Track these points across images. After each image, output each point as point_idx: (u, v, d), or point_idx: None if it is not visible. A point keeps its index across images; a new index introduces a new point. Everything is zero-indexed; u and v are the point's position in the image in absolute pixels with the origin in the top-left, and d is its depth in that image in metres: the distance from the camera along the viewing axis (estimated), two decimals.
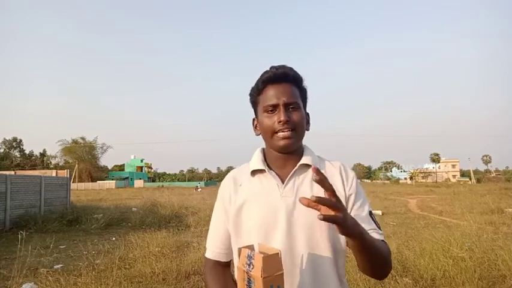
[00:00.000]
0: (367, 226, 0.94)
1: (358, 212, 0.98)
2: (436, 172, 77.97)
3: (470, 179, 63.29)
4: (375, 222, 0.99)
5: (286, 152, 0.99)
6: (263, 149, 1.08)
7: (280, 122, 0.94)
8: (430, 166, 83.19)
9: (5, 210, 9.49)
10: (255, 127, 1.06)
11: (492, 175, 73.72)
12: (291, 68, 0.99)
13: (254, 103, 1.04)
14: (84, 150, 64.55)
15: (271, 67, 0.99)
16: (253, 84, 1.03)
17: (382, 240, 0.95)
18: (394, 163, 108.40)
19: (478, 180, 61.49)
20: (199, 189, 36.79)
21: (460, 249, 4.31)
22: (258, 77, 1.00)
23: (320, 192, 0.94)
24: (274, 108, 0.96)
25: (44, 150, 76.39)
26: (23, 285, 4.10)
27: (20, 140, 72.96)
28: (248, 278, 0.75)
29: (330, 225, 0.94)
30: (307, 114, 1.04)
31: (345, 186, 0.99)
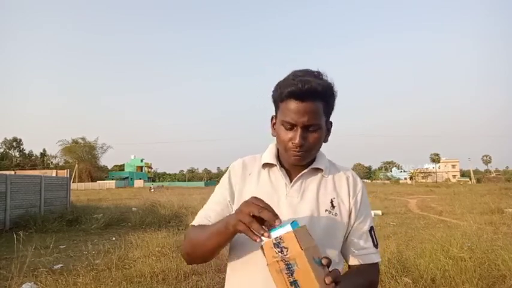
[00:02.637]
0: (364, 244, 0.96)
1: (359, 226, 0.98)
2: (436, 172, 78.00)
3: (470, 179, 63.33)
4: (373, 239, 0.99)
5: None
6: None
7: (294, 144, 0.90)
8: (430, 166, 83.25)
9: (5, 210, 9.48)
10: (272, 126, 1.01)
11: (492, 175, 73.74)
12: (319, 83, 0.87)
13: (275, 104, 0.97)
14: (84, 150, 64.58)
15: (297, 78, 0.87)
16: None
17: (374, 263, 0.98)
18: (394, 163, 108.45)
19: (478, 180, 61.50)
20: (152, 190, 36.91)
21: (460, 249, 4.30)
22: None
23: (325, 197, 0.97)
24: (292, 126, 0.90)
25: (44, 150, 76.50)
26: (23, 285, 4.10)
27: (20, 140, 73.09)
28: (287, 265, 0.69)
29: (328, 235, 0.95)
30: (330, 123, 0.98)
31: (350, 197, 0.99)
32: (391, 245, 5.01)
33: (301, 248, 0.67)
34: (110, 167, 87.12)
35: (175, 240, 6.59)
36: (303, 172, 0.98)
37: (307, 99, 0.87)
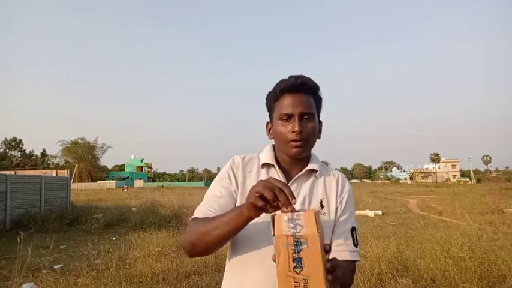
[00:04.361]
0: (344, 241, 1.01)
1: (342, 224, 1.04)
2: (436, 172, 77.94)
3: (471, 179, 63.29)
4: (354, 238, 1.03)
5: (295, 159, 1.04)
6: (273, 146, 1.11)
7: (294, 132, 0.98)
8: (430, 166, 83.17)
9: (5, 210, 9.49)
10: (269, 130, 1.10)
11: (492, 175, 73.59)
12: (309, 79, 1.01)
13: (270, 108, 1.07)
14: (84, 150, 64.54)
15: (290, 76, 1.00)
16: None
17: (354, 261, 1.01)
18: (394, 163, 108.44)
19: (478, 180, 61.45)
20: (125, 190, 37.98)
21: (460, 249, 4.31)
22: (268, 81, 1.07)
23: (315, 198, 1.03)
24: (289, 117, 0.99)
25: (44, 150, 76.51)
26: (23, 285, 4.10)
27: (20, 140, 73.07)
28: (295, 241, 0.69)
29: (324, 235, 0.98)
30: (320, 122, 1.08)
31: (337, 196, 1.06)
32: (391, 245, 5.00)
33: (317, 230, 0.69)
34: (110, 167, 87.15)
35: (176, 240, 6.59)
36: (299, 174, 1.04)
37: (301, 91, 1.00)
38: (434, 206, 14.69)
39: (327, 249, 0.72)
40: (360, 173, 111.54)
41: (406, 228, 8.69)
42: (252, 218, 0.81)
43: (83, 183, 53.71)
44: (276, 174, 1.04)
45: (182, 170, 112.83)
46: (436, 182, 62.82)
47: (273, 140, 1.08)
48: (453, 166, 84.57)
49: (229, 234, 0.86)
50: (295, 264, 0.69)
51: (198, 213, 1.00)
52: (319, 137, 1.08)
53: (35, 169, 47.53)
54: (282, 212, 0.74)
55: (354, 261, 1.02)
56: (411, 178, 74.56)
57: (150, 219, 9.83)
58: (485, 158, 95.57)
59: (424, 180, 69.80)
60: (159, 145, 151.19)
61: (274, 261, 0.72)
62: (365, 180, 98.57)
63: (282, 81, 1.01)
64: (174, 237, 6.78)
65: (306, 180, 1.05)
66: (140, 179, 70.24)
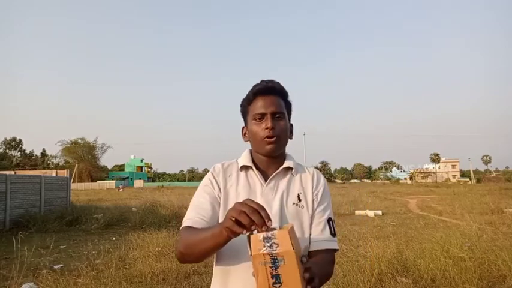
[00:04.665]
0: (321, 231, 1.08)
1: (319, 215, 1.11)
2: (436, 172, 77.91)
3: (470, 179, 63.30)
4: (331, 228, 1.11)
5: (271, 156, 1.13)
6: (250, 151, 1.21)
7: (267, 128, 1.07)
8: (430, 166, 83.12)
9: (5, 210, 9.49)
10: (244, 134, 1.20)
11: (492, 175, 73.61)
12: (278, 83, 1.13)
13: (244, 112, 1.17)
14: (84, 150, 64.53)
15: (262, 81, 1.12)
16: (244, 91, 1.16)
17: (333, 250, 1.09)
18: (394, 163, 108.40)
19: (478, 181, 61.46)
20: (120, 190, 39.30)
21: (460, 249, 4.31)
22: (249, 87, 1.13)
23: (292, 192, 1.12)
24: (262, 116, 1.09)
25: (44, 150, 76.48)
26: (23, 285, 4.10)
27: (20, 140, 72.99)
28: (272, 259, 0.72)
29: (301, 230, 1.07)
30: (291, 125, 1.19)
31: (313, 189, 1.14)
32: (391, 245, 5.00)
33: (293, 247, 0.72)
34: (110, 167, 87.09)
35: (175, 241, 6.59)
36: (276, 172, 1.12)
37: (271, 93, 1.10)
38: (434, 206, 14.69)
39: (304, 262, 0.76)
40: (360, 173, 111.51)
41: (406, 228, 8.69)
42: (231, 238, 0.84)
43: (82, 183, 53.74)
44: (254, 175, 1.13)
45: (182, 170, 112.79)
46: (436, 182, 62.83)
47: (249, 143, 1.18)
48: (453, 166, 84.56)
49: (214, 248, 0.90)
50: (274, 280, 0.72)
51: (188, 221, 1.05)
52: (291, 138, 1.18)
53: (35, 169, 47.51)
54: (258, 232, 0.77)
55: (332, 251, 1.09)
56: (411, 178, 74.50)
57: (150, 219, 9.83)
58: (485, 158, 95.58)
59: (424, 180, 69.77)
60: (159, 145, 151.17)
61: (254, 276, 0.75)
62: (365, 180, 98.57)
63: (255, 85, 1.11)
64: (174, 237, 6.78)
65: (283, 177, 1.14)
66: (140, 179, 70.24)
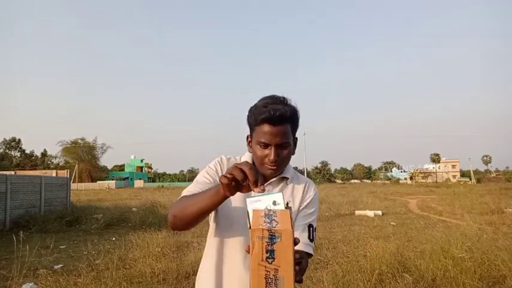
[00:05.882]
0: (300, 233, 1.10)
1: (302, 219, 1.15)
2: (436, 172, 77.90)
3: (471, 179, 63.31)
4: (310, 233, 1.14)
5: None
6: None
7: (269, 160, 1.09)
8: (430, 166, 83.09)
9: (5, 210, 9.49)
10: (249, 143, 1.20)
11: (492, 175, 73.63)
12: (290, 108, 1.07)
13: (250, 126, 1.15)
14: (84, 150, 64.57)
15: (269, 106, 1.05)
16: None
17: (308, 254, 1.10)
18: (394, 163, 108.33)
19: (478, 181, 61.47)
20: (107, 190, 40.99)
21: (460, 249, 4.31)
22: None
23: (285, 198, 1.09)
24: (266, 146, 1.08)
25: (45, 150, 76.48)
26: (23, 286, 4.10)
27: (19, 140, 72.95)
28: (270, 235, 0.76)
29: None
30: (296, 138, 1.19)
31: (302, 199, 1.19)
32: (391, 245, 5.01)
33: (292, 226, 0.76)
34: (110, 167, 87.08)
35: (176, 240, 6.60)
36: (271, 180, 1.17)
37: (278, 123, 1.05)
38: (434, 206, 14.69)
39: (296, 242, 0.81)
40: (360, 173, 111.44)
41: (406, 228, 8.69)
42: (228, 196, 0.90)
43: (83, 184, 53.73)
44: None
45: (182, 170, 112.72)
46: (436, 182, 62.86)
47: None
48: (453, 166, 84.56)
49: (208, 208, 0.96)
50: (268, 255, 0.75)
51: (187, 193, 1.11)
52: (293, 154, 1.18)
53: (35, 169, 47.53)
54: (254, 191, 0.83)
55: (307, 255, 1.10)
56: (411, 178, 74.51)
57: (150, 219, 9.83)
58: (485, 158, 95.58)
59: (424, 181, 69.79)
60: (159, 145, 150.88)
61: (248, 252, 0.78)
62: (365, 180, 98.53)
63: (262, 110, 1.05)
64: (174, 238, 6.79)
65: (277, 185, 1.18)
66: (140, 179, 70.22)
